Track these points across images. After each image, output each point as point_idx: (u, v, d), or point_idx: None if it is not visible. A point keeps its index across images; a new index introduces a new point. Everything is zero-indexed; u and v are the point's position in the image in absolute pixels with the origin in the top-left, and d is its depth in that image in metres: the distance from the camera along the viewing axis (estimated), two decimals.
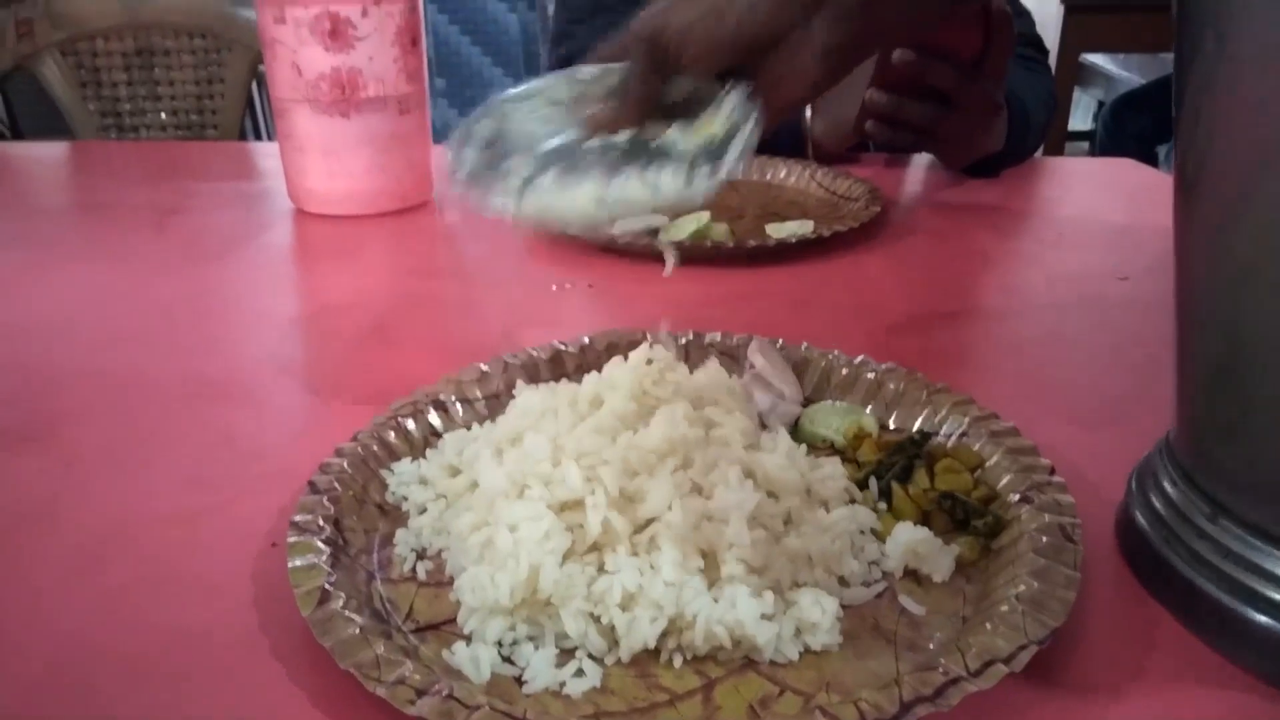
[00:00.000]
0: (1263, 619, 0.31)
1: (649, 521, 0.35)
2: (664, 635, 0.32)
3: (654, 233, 0.73)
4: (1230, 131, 0.30)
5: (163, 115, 1.30)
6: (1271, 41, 0.27)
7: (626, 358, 0.42)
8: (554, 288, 0.66)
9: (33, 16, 1.22)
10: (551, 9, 2.06)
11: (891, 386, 0.46)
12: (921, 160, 1.01)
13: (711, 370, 0.44)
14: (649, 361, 0.42)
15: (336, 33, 0.75)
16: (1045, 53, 1.04)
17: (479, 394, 0.47)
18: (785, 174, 0.89)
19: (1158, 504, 0.36)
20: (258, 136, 1.92)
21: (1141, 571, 0.36)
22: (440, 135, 1.30)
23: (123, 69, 1.28)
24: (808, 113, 0.93)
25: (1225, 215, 0.31)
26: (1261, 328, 0.30)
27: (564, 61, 1.01)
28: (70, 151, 1.13)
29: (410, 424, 0.44)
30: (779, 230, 0.72)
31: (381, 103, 0.78)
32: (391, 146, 0.80)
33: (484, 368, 0.48)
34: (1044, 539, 0.35)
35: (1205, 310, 0.33)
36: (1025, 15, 1.01)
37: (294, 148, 0.80)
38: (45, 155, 1.10)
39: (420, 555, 0.37)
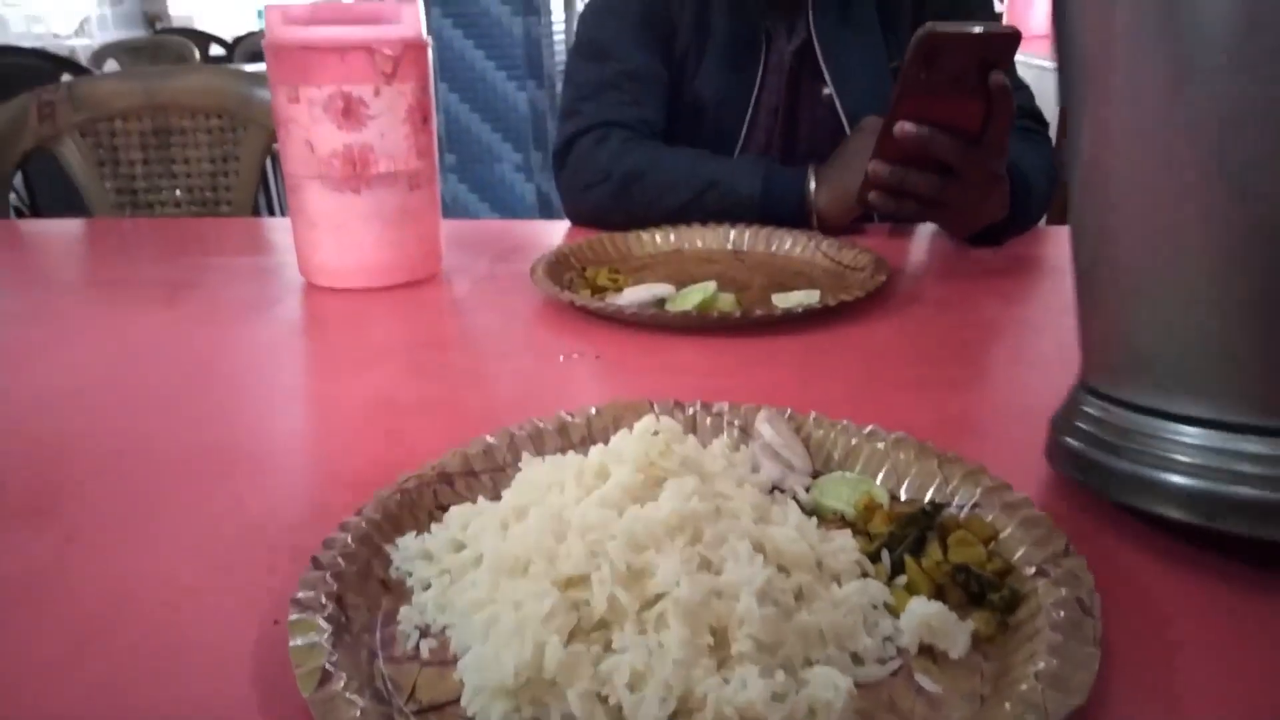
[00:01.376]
0: (1163, 475, 0.40)
1: (657, 597, 0.34)
2: (673, 716, 0.31)
3: (660, 304, 0.73)
4: (1096, 135, 0.42)
5: (178, 192, 1.32)
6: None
7: (632, 429, 0.42)
8: (561, 358, 0.66)
9: (54, 99, 1.25)
10: (559, 87, 2.11)
11: (902, 457, 0.46)
12: (926, 230, 1.02)
13: (720, 441, 0.43)
14: (655, 433, 0.41)
15: (349, 111, 0.76)
16: (1045, 124, 1.06)
17: (485, 466, 0.47)
18: (791, 244, 0.89)
19: (1078, 422, 0.45)
20: (271, 212, 1.96)
21: (1065, 466, 0.45)
22: (450, 209, 1.32)
23: (139, 148, 1.31)
24: (812, 185, 0.94)
25: (1093, 181, 0.43)
26: (1113, 248, 0.42)
27: (572, 138, 1.07)
28: (86, 229, 1.15)
29: (415, 497, 0.43)
30: (785, 300, 0.73)
31: (392, 178, 0.80)
32: (402, 221, 0.81)
33: (490, 440, 0.48)
34: (1062, 614, 0.34)
35: (1085, 244, 0.45)
36: (1024, 89, 1.03)
37: (305, 223, 0.82)
38: (62, 232, 1.12)
39: (424, 633, 0.36)
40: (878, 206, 0.86)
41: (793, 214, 0.95)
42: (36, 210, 2.64)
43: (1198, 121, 0.38)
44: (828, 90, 1.06)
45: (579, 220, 1.06)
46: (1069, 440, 0.45)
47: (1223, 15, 0.36)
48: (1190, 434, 0.40)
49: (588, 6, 1.13)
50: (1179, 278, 0.40)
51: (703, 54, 1.09)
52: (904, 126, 0.78)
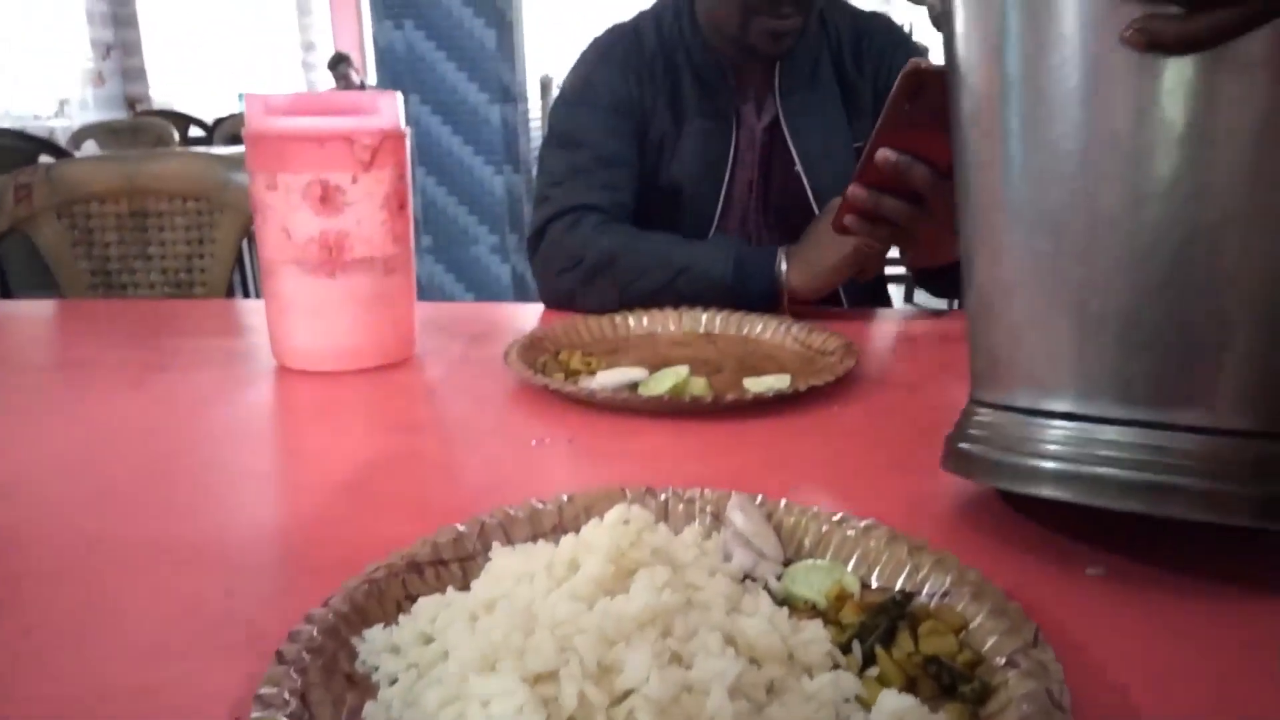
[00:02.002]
0: (1037, 461, 0.47)
1: (627, 693, 0.33)
2: None
3: (633, 387, 0.74)
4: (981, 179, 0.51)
5: (152, 274, 1.32)
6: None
7: (604, 517, 0.42)
8: (533, 443, 0.66)
9: (32, 182, 1.26)
10: (535, 171, 2.15)
11: (872, 544, 0.46)
12: (894, 314, 1.04)
13: (692, 529, 0.43)
14: (626, 522, 0.41)
15: (327, 198, 0.78)
16: None
17: (454, 555, 0.46)
18: (761, 329, 0.91)
19: (968, 429, 0.52)
20: (245, 294, 1.96)
21: (956, 467, 0.52)
22: (425, 289, 1.33)
23: (115, 230, 1.31)
24: (783, 265, 0.97)
25: (974, 219, 0.52)
26: (989, 278, 0.51)
27: (545, 223, 1.09)
28: (57, 309, 1.14)
29: (383, 588, 0.43)
30: (757, 384, 0.73)
31: (368, 263, 0.80)
32: (376, 305, 0.82)
33: (460, 528, 0.48)
34: (1032, 707, 0.34)
35: (968, 278, 0.53)
36: None
37: (279, 306, 0.82)
38: (31, 313, 1.12)
39: None
40: (853, 229, 0.88)
41: (765, 293, 0.97)
42: (6, 290, 2.63)
43: (1046, 174, 0.47)
44: (797, 167, 1.11)
45: (553, 304, 1.08)
46: (960, 445, 0.52)
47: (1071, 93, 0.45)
48: (1058, 426, 0.47)
49: (559, 99, 1.17)
50: (1043, 299, 0.48)
51: (678, 137, 1.13)
52: (885, 153, 0.81)
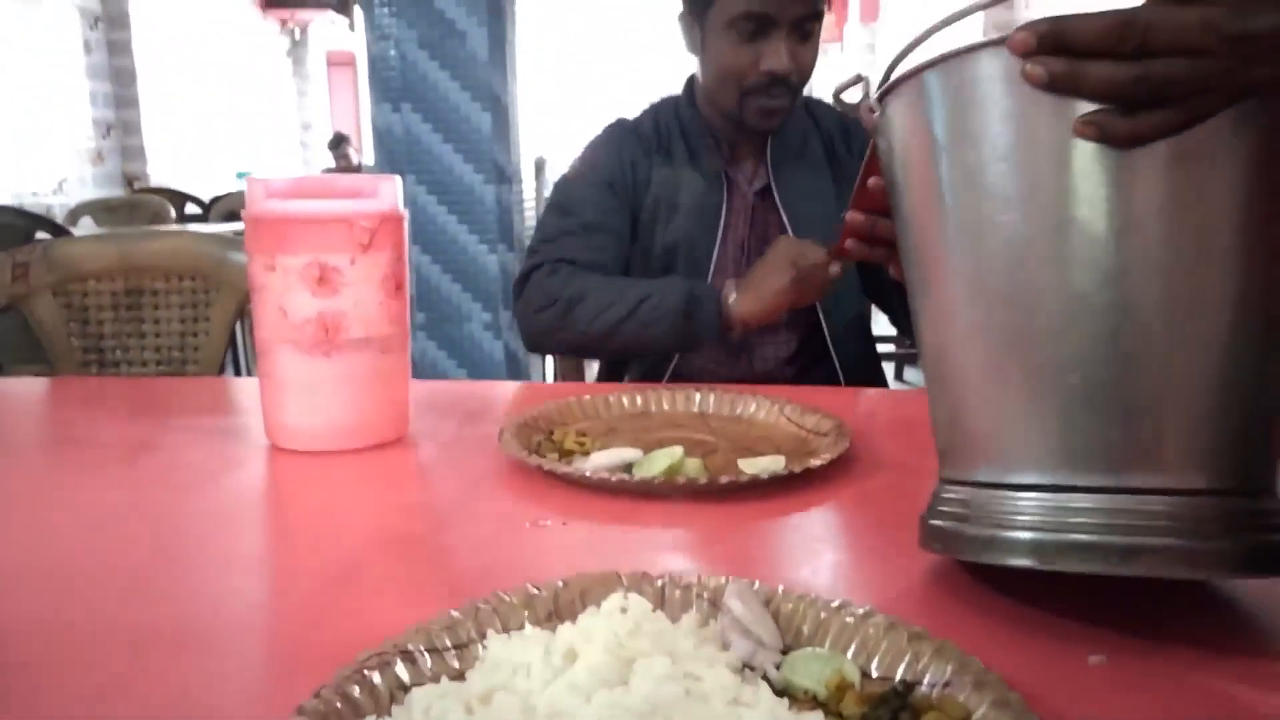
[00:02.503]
0: (1009, 533, 0.48)
1: None
2: None
3: (628, 468, 0.74)
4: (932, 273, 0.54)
5: (145, 352, 1.32)
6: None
7: (600, 603, 0.42)
8: (528, 525, 0.66)
9: (30, 260, 1.27)
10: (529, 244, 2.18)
11: (871, 631, 0.46)
12: (886, 393, 1.04)
13: (689, 616, 0.43)
14: (624, 610, 0.41)
15: (325, 280, 0.78)
16: None
17: (448, 643, 0.46)
18: (755, 409, 0.91)
19: (940, 507, 0.54)
20: (236, 372, 1.96)
21: (932, 544, 0.54)
22: (419, 366, 1.34)
23: (110, 307, 1.32)
24: (732, 295, 1.10)
25: (926, 312, 0.55)
26: (947, 366, 0.54)
27: (529, 271, 1.22)
28: (49, 387, 1.14)
29: (376, 677, 0.42)
30: (752, 466, 0.73)
31: (364, 343, 0.81)
32: (371, 385, 0.82)
33: (454, 614, 0.47)
34: None
35: (926, 367, 0.56)
36: None
37: (274, 386, 0.82)
38: (23, 390, 1.11)
39: None
40: (853, 250, 0.91)
41: (714, 316, 1.11)
42: None
43: (987, 263, 0.50)
44: (788, 230, 1.25)
45: (534, 344, 1.24)
46: (933, 522, 0.54)
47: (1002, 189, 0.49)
48: (1027, 498, 0.49)
49: (561, 177, 1.32)
50: (996, 378, 0.50)
51: (673, 206, 1.27)
52: (877, 179, 0.84)
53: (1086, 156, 0.46)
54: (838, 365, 1.29)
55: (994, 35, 0.48)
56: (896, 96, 0.55)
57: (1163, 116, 0.44)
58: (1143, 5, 0.44)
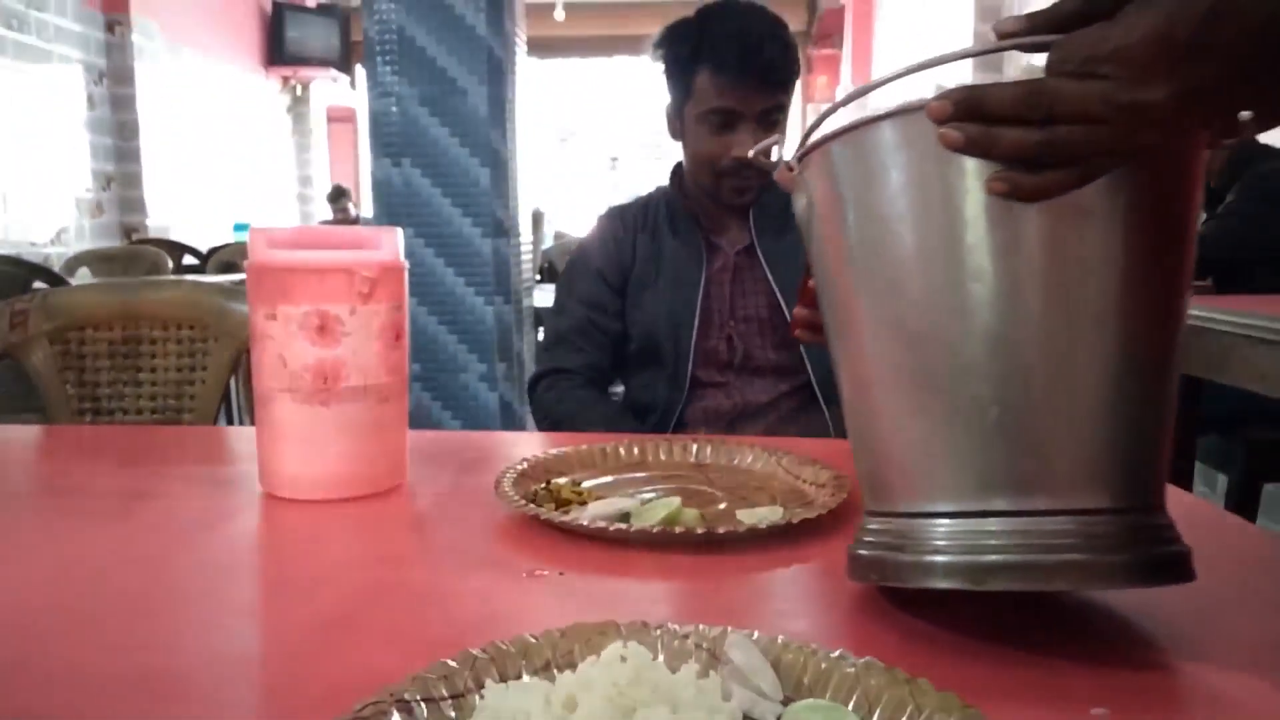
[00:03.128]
0: (931, 557, 0.53)
1: None
2: None
3: (625, 518, 0.74)
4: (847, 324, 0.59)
5: (140, 400, 1.32)
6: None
7: (599, 653, 0.41)
8: (525, 574, 0.66)
9: (28, 308, 1.27)
10: (526, 302, 2.24)
11: (873, 682, 0.45)
12: None
13: (689, 666, 0.43)
14: (623, 659, 0.41)
15: (325, 329, 0.79)
16: None
17: (445, 693, 0.45)
18: (752, 460, 0.91)
19: (865, 537, 0.58)
20: (229, 421, 1.95)
21: (874, 574, 0.57)
22: (413, 416, 1.34)
23: (107, 356, 1.32)
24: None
25: (844, 343, 0.60)
26: (863, 405, 0.58)
27: (536, 379, 1.42)
28: (43, 435, 1.14)
29: None
30: (750, 516, 0.73)
31: (362, 392, 0.81)
32: (369, 434, 0.82)
33: (451, 663, 0.47)
34: None
35: (847, 408, 0.60)
36: None
37: (271, 434, 0.82)
38: (18, 439, 1.11)
39: None
40: (804, 339, 0.98)
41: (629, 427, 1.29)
42: None
43: (891, 316, 0.55)
44: (774, 289, 1.38)
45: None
46: (859, 551, 0.58)
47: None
48: (947, 525, 0.53)
49: (567, 262, 1.53)
50: (906, 412, 0.55)
51: (657, 274, 1.42)
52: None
53: (979, 214, 0.51)
54: (826, 413, 1.36)
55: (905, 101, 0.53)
56: (810, 161, 0.60)
57: (1064, 175, 0.49)
58: (1048, 78, 0.49)
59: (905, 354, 0.54)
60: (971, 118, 0.49)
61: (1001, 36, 0.52)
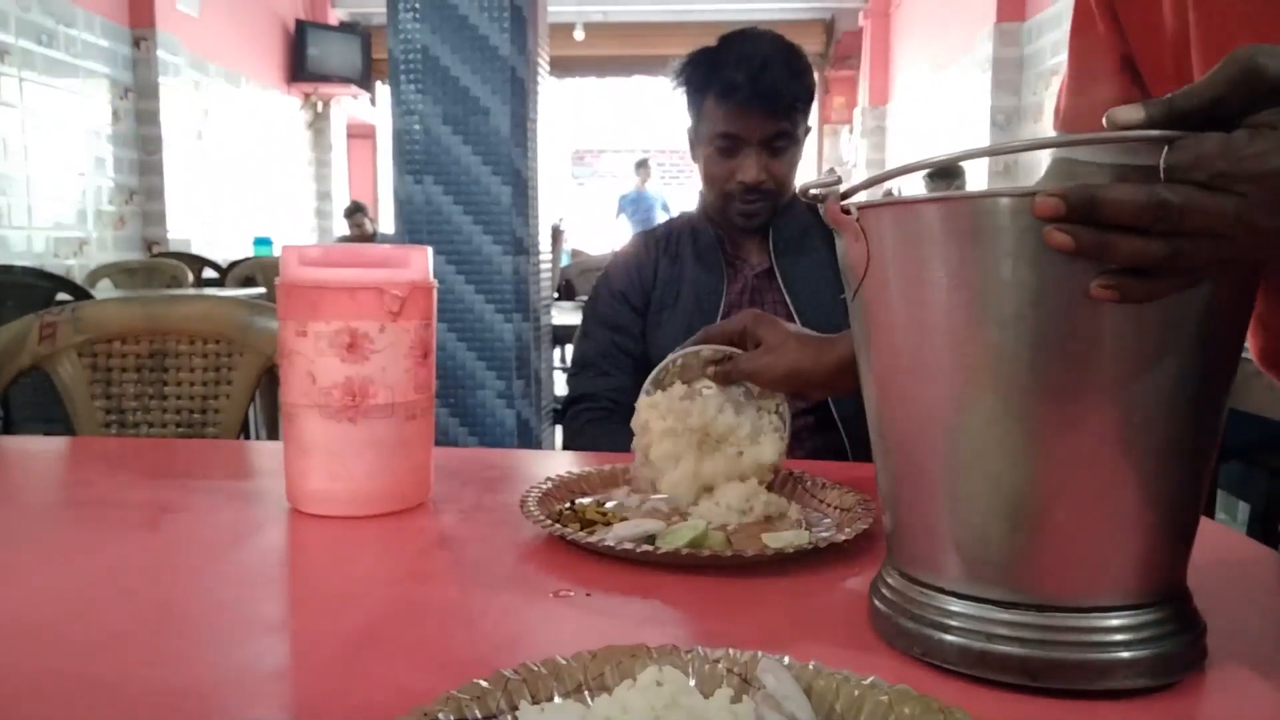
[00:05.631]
0: (940, 634, 0.53)
1: None
2: None
3: (651, 539, 0.74)
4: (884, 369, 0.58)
5: (166, 414, 1.33)
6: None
7: (632, 676, 0.41)
8: (551, 595, 0.66)
9: (57, 321, 1.29)
10: (545, 320, 2.25)
11: (906, 711, 0.45)
12: None
13: (722, 692, 0.43)
14: (659, 684, 0.41)
15: (354, 346, 0.80)
16: None
17: (478, 714, 0.45)
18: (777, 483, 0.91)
19: (883, 588, 0.59)
20: (248, 436, 1.96)
21: (885, 632, 0.57)
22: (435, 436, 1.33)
23: (134, 369, 1.33)
24: None
25: (885, 402, 0.58)
26: (893, 475, 0.58)
27: (568, 403, 1.43)
28: (71, 447, 1.15)
29: None
30: (776, 540, 0.73)
31: (390, 409, 0.82)
32: (396, 451, 0.82)
33: (483, 684, 0.47)
34: None
35: (879, 468, 0.59)
36: None
37: (298, 450, 0.83)
38: (43, 450, 1.12)
39: None
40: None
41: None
42: (9, 426, 2.63)
43: (907, 417, 0.56)
44: (792, 313, 1.39)
45: None
46: (877, 603, 0.59)
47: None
48: (958, 604, 0.54)
49: (593, 286, 1.54)
50: (939, 506, 0.54)
51: (678, 297, 1.44)
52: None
53: (1045, 310, 0.49)
54: (844, 438, 1.35)
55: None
56: (881, 214, 0.55)
57: (1175, 282, 0.47)
58: (1174, 185, 0.45)
59: (940, 437, 0.54)
60: (1085, 220, 0.46)
61: (1114, 127, 0.47)
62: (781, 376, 0.93)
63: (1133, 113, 0.46)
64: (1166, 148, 0.46)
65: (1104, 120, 0.48)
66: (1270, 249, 0.46)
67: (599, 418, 1.41)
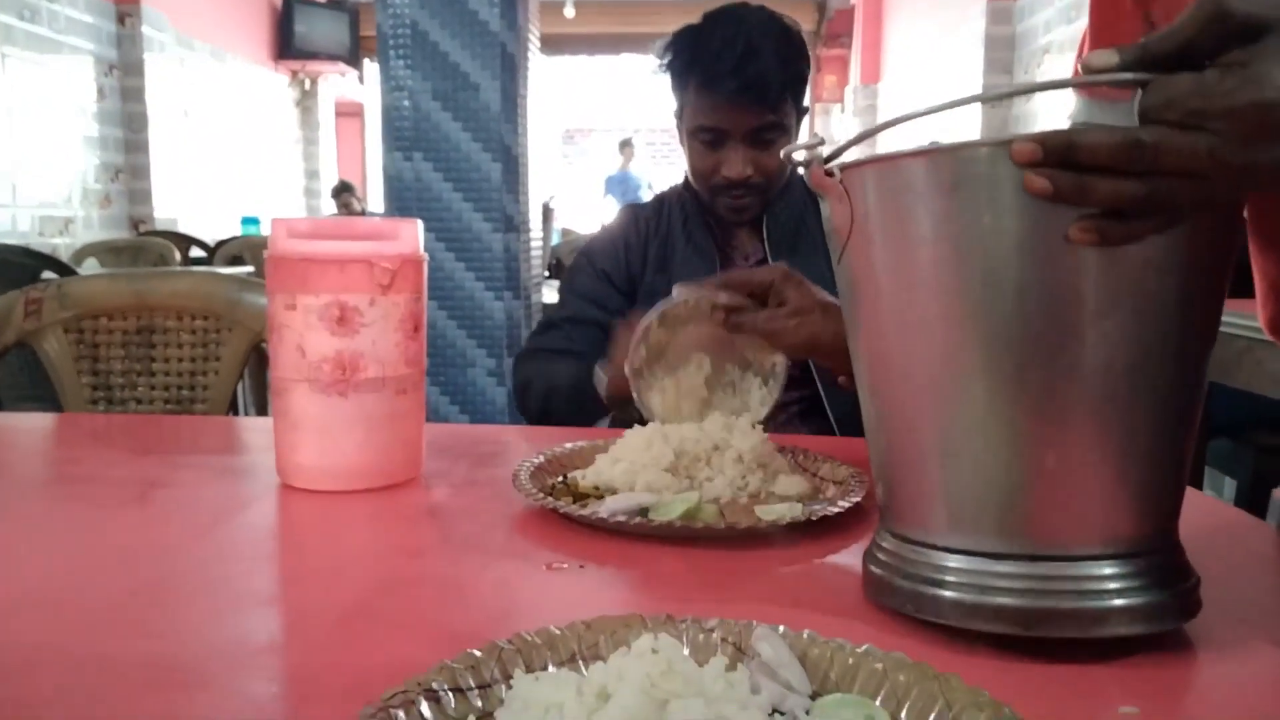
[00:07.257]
0: (937, 590, 0.54)
1: None
2: None
3: (644, 512, 0.73)
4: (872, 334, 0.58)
5: (154, 390, 1.32)
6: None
7: (626, 645, 0.41)
8: (544, 567, 0.66)
9: (43, 297, 1.27)
10: (536, 298, 2.23)
11: (901, 678, 0.45)
12: None
13: (717, 660, 0.42)
14: (655, 651, 0.41)
15: (344, 319, 0.79)
16: None
17: (472, 683, 0.45)
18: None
19: (877, 553, 0.59)
20: (236, 412, 1.95)
21: (879, 594, 0.58)
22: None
23: (121, 345, 1.32)
24: (600, 372, 1.14)
25: (873, 363, 0.58)
26: (886, 432, 0.58)
27: (535, 350, 1.35)
28: (59, 423, 1.14)
29: (401, 715, 0.41)
30: (769, 512, 0.73)
31: (380, 383, 0.81)
32: (386, 425, 0.82)
33: (477, 654, 0.47)
34: None
35: (870, 428, 0.60)
36: None
37: (288, 424, 0.82)
38: (31, 427, 1.11)
39: None
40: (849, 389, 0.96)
41: (593, 391, 1.16)
42: None
43: (898, 372, 0.56)
44: None
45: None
46: (872, 568, 0.59)
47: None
48: (952, 559, 0.54)
49: (575, 255, 1.46)
50: (934, 466, 0.55)
51: (669, 281, 1.34)
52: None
53: (1033, 258, 0.49)
54: (830, 416, 1.29)
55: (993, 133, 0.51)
56: (864, 173, 0.55)
57: (1154, 223, 0.48)
58: (1149, 127, 0.46)
59: (930, 394, 0.54)
60: (1063, 164, 0.47)
61: (1089, 72, 0.48)
62: (799, 344, 0.91)
63: (1107, 57, 0.47)
64: (1140, 90, 0.47)
65: (1078, 66, 0.49)
66: (1244, 185, 0.47)
67: (536, 356, 1.34)
